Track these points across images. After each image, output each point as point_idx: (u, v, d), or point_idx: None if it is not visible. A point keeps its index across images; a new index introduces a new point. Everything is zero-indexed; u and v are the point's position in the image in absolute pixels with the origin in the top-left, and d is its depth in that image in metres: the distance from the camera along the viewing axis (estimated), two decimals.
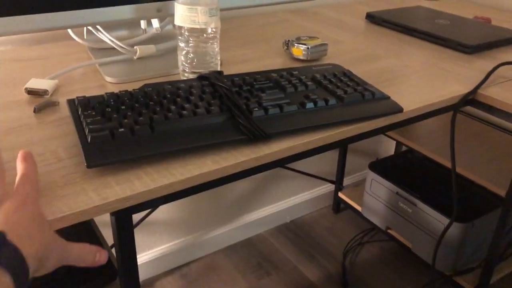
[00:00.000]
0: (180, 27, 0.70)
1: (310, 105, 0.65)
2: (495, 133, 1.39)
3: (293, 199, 1.68)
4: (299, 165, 1.60)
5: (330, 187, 1.74)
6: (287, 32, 1.05)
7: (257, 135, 0.58)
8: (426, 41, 1.02)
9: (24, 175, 0.47)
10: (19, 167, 0.48)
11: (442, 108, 0.76)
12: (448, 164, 1.26)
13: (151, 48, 0.85)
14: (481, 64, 0.90)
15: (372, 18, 1.15)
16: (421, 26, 1.05)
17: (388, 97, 0.70)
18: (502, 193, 1.14)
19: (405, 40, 1.02)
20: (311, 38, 0.89)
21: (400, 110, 0.68)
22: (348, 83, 0.72)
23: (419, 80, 0.81)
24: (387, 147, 1.84)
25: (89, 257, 0.48)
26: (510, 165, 1.21)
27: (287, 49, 0.89)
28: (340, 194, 1.67)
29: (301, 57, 0.87)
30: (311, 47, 0.86)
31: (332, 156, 1.68)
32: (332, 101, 0.66)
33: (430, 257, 1.35)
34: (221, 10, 0.73)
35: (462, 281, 1.30)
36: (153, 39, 0.88)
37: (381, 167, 1.49)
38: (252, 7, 0.96)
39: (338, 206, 1.74)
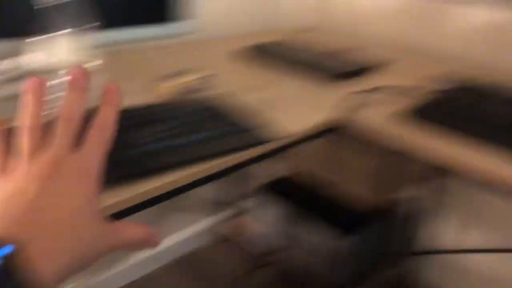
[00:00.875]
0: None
1: (181, 140, 0.65)
2: (377, 149, 1.48)
3: (186, 230, 1.65)
4: (190, 195, 1.59)
5: (224, 214, 1.75)
6: (161, 68, 1.04)
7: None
8: (301, 71, 1.07)
9: (102, 126, 0.34)
10: (100, 109, 0.35)
11: (317, 133, 0.79)
12: (334, 181, 1.32)
13: None
14: (347, 92, 0.95)
15: (252, 50, 1.19)
16: (297, 57, 1.10)
17: (263, 127, 0.72)
18: (386, 204, 1.22)
19: (282, 71, 1.06)
20: (189, 71, 0.89)
21: (272, 139, 0.70)
22: (221, 116, 0.73)
23: (294, 109, 0.84)
24: (278, 169, 1.89)
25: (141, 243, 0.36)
26: (393, 177, 1.30)
27: (160, 85, 0.88)
28: (234, 220, 1.68)
29: (176, 92, 0.87)
30: (188, 81, 0.86)
31: (224, 182, 1.69)
32: (202, 135, 0.67)
33: (324, 272, 1.40)
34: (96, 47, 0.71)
35: None
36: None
37: (271, 189, 1.52)
38: (124, 44, 0.95)
39: (233, 232, 1.75)
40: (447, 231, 1.50)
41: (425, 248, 1.55)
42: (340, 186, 1.28)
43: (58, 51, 0.66)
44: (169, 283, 1.50)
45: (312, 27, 1.53)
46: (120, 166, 0.57)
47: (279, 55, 1.12)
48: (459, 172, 0.70)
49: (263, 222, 1.53)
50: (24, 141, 0.33)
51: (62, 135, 0.33)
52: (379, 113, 0.85)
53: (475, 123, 0.77)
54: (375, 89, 0.94)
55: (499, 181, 0.66)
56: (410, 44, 1.39)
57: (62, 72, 0.66)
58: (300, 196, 1.50)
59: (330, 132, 0.81)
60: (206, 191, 1.64)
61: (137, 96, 0.87)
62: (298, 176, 1.63)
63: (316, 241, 1.37)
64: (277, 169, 1.88)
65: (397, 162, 1.19)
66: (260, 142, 0.70)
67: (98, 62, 0.69)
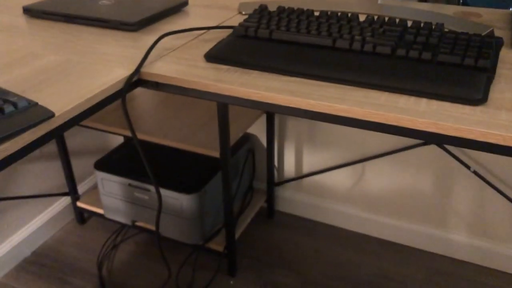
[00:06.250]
0: None
1: None
2: (198, 101, 1.43)
3: (27, 227, 1.47)
4: (19, 189, 1.40)
5: (66, 200, 1.58)
6: None
7: None
8: (90, 26, 0.94)
9: None
10: None
11: (108, 97, 0.70)
12: (166, 143, 1.24)
13: None
14: (147, 40, 0.87)
15: (29, 11, 1.01)
16: (82, 12, 0.96)
17: (35, 104, 0.60)
18: (218, 155, 1.19)
19: (67, 31, 0.92)
20: None
21: (50, 115, 0.59)
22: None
23: (80, 74, 0.72)
24: (112, 139, 1.76)
25: None
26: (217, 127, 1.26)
27: None
28: (79, 204, 1.54)
29: None
30: None
31: (55, 167, 1.52)
32: None
33: (179, 235, 1.35)
34: None
35: (213, 245, 1.35)
36: None
37: (106, 163, 1.41)
38: None
39: (82, 216, 1.60)
40: (291, 160, 1.55)
41: (280, 179, 1.59)
42: (173, 143, 1.22)
43: None
44: None
45: None
46: None
47: (59, 12, 0.97)
48: (275, 108, 0.67)
49: (110, 196, 1.41)
50: None
51: None
52: (182, 60, 0.78)
53: (271, 56, 0.75)
54: (179, 32, 0.86)
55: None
56: None
57: None
58: (139, 163, 1.41)
59: (122, 93, 0.71)
60: (42, 177, 1.45)
61: None
62: (129, 145, 1.52)
63: (163, 206, 1.30)
64: (115, 137, 1.75)
65: (222, 106, 1.15)
66: (46, 118, 0.59)
67: None
